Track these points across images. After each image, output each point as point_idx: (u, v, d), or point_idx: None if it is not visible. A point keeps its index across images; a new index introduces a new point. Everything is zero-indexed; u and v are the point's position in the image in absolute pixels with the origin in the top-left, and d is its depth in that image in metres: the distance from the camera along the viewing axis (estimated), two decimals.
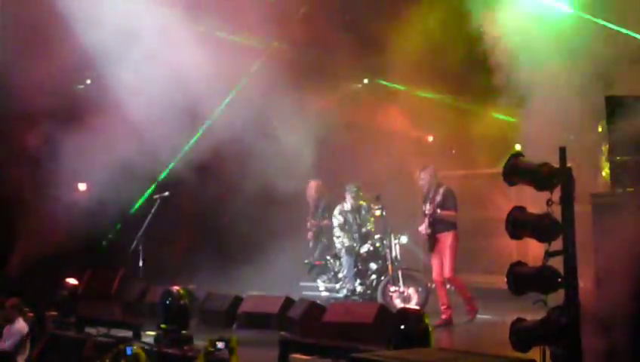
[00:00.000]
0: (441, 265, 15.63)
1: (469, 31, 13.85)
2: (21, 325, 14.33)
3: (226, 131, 17.79)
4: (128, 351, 10.59)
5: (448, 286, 16.25)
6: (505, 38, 12.36)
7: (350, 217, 17.38)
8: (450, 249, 15.52)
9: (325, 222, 18.08)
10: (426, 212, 15.68)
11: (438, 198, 15.51)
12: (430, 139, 22.89)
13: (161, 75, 16.89)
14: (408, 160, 21.31)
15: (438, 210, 15.48)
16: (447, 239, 15.53)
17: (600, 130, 11.76)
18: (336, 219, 17.53)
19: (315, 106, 18.81)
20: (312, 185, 18.46)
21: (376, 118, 20.27)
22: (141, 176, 18.56)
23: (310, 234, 18.36)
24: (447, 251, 15.52)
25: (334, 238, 17.55)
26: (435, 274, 15.82)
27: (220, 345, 10.39)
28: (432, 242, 15.66)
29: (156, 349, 13.43)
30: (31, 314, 16.43)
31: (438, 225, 15.58)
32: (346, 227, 17.44)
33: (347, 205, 17.41)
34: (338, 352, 11.22)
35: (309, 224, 18.43)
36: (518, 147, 14.00)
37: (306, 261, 17.90)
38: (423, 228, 15.83)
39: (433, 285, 16.90)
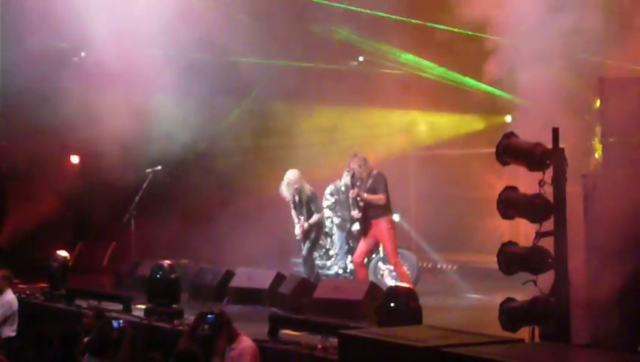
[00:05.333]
0: (367, 249, 15.60)
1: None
2: (11, 297, 14.34)
3: (219, 107, 17.77)
4: (115, 325, 10.57)
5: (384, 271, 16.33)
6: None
7: (342, 198, 17.33)
8: (388, 236, 15.28)
9: (313, 219, 16.30)
10: (351, 195, 15.65)
11: (369, 183, 15.42)
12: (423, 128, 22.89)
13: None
14: (399, 140, 21.39)
15: (365, 194, 15.36)
16: (381, 225, 15.29)
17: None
18: (326, 201, 17.49)
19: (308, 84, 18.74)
20: (293, 176, 16.38)
21: (369, 98, 20.24)
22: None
23: (300, 231, 16.37)
24: (385, 239, 15.32)
25: (325, 218, 17.44)
26: (355, 256, 15.79)
27: (210, 318, 10.38)
28: (366, 227, 15.55)
29: (146, 323, 13.47)
30: (23, 286, 16.51)
31: (370, 210, 15.39)
32: (337, 206, 17.42)
33: (341, 185, 17.32)
34: (328, 328, 11.24)
35: (297, 220, 16.37)
36: (508, 118, 13.98)
37: (297, 237, 17.87)
38: (355, 212, 15.80)
39: (424, 264, 16.94)
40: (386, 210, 15.36)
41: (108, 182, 19.68)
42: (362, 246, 15.60)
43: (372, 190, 15.34)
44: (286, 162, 17.42)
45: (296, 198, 16.23)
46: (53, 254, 16.44)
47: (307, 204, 16.17)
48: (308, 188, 16.25)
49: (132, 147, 18.14)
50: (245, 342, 10.41)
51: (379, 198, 15.27)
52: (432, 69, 19.91)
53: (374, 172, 15.49)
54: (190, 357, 9.22)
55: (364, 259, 15.70)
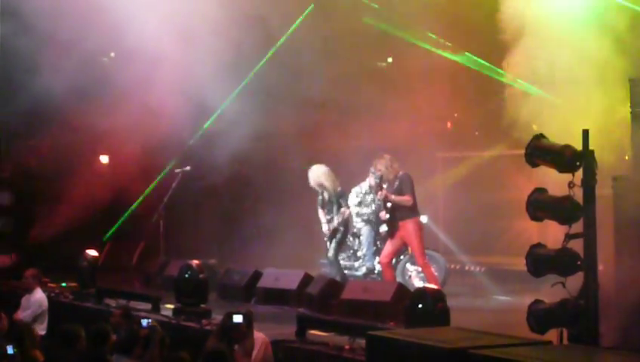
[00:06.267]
0: (394, 249, 15.56)
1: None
2: (40, 295, 14.43)
3: (247, 108, 17.79)
4: (144, 324, 10.61)
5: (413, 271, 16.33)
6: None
7: (368, 199, 17.31)
8: (416, 237, 15.29)
9: (341, 213, 16.03)
10: (379, 198, 15.66)
11: (396, 184, 15.42)
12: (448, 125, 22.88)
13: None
14: (429, 141, 21.34)
15: (392, 196, 15.34)
16: (408, 226, 15.29)
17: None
18: (354, 200, 17.46)
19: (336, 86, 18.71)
20: (316, 171, 16.21)
21: (397, 98, 20.18)
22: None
23: (327, 230, 16.20)
24: (413, 240, 15.32)
25: (354, 217, 17.45)
26: (382, 256, 15.77)
27: (237, 318, 10.40)
28: (393, 228, 15.53)
29: (175, 322, 13.51)
30: (52, 285, 16.60)
31: (397, 212, 15.38)
32: (364, 208, 17.38)
33: (366, 186, 17.29)
34: (355, 329, 11.24)
35: (324, 220, 16.22)
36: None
37: (325, 237, 17.87)
38: (383, 213, 15.81)
39: (452, 265, 16.91)
40: (412, 211, 15.35)
41: (137, 182, 19.78)
42: (389, 247, 15.59)
43: (398, 191, 15.33)
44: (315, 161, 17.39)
45: (323, 195, 16.13)
46: (83, 253, 16.52)
47: (337, 201, 16.07)
48: (334, 186, 16.10)
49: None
50: (255, 334, 10.55)
51: (405, 200, 15.27)
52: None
53: (400, 173, 15.47)
54: (219, 357, 9.24)
55: (391, 259, 15.68)
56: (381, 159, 15.57)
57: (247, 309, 11.00)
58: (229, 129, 18.06)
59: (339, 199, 16.06)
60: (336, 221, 16.02)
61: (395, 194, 15.32)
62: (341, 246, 16.40)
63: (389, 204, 15.48)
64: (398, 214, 15.37)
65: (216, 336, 10.60)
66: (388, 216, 15.58)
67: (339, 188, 16.11)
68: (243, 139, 18.16)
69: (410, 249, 15.82)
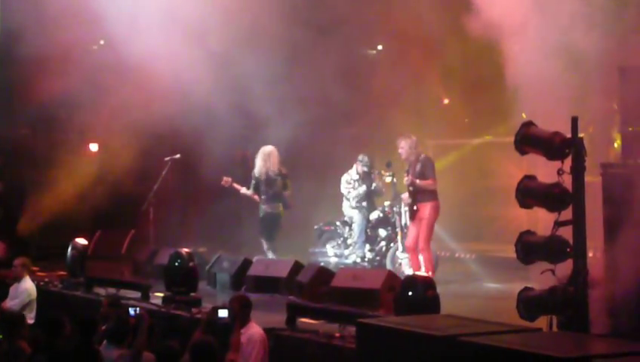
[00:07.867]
0: (417, 234, 15.60)
1: None
2: (29, 284, 14.39)
3: (235, 94, 17.72)
4: (131, 312, 10.56)
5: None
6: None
7: (357, 185, 17.30)
8: (427, 221, 15.41)
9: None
10: (405, 182, 15.68)
11: (418, 167, 15.46)
12: (445, 101, 22.83)
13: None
14: (421, 127, 21.30)
15: (417, 180, 15.39)
16: (425, 210, 15.40)
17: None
18: (344, 188, 17.45)
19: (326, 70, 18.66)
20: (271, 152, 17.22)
21: (389, 84, 20.13)
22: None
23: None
24: (423, 222, 15.42)
25: (343, 206, 17.47)
26: (407, 241, 15.84)
27: (222, 313, 10.33)
28: (413, 211, 15.59)
29: (164, 311, 13.49)
30: (41, 274, 16.56)
31: (418, 195, 15.50)
32: (354, 195, 17.35)
33: (354, 174, 17.29)
34: (346, 317, 11.24)
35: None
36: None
37: (315, 226, 17.88)
38: (406, 196, 15.84)
39: (442, 253, 16.90)
40: (433, 194, 15.43)
41: (126, 170, 19.73)
42: (412, 231, 15.60)
43: (421, 174, 15.41)
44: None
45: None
46: (72, 242, 16.47)
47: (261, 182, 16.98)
48: (263, 166, 16.71)
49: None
50: (254, 329, 10.41)
51: (430, 184, 15.39)
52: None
53: (422, 156, 15.57)
54: (206, 349, 9.17)
55: (416, 244, 15.61)
56: (407, 138, 15.64)
57: (230, 301, 10.90)
58: (221, 117, 18.02)
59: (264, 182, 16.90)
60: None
61: (417, 178, 15.37)
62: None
63: (411, 188, 15.53)
64: (419, 196, 15.44)
65: (202, 329, 10.55)
66: (410, 199, 15.62)
67: (269, 170, 16.74)
68: (235, 127, 18.12)
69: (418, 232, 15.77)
